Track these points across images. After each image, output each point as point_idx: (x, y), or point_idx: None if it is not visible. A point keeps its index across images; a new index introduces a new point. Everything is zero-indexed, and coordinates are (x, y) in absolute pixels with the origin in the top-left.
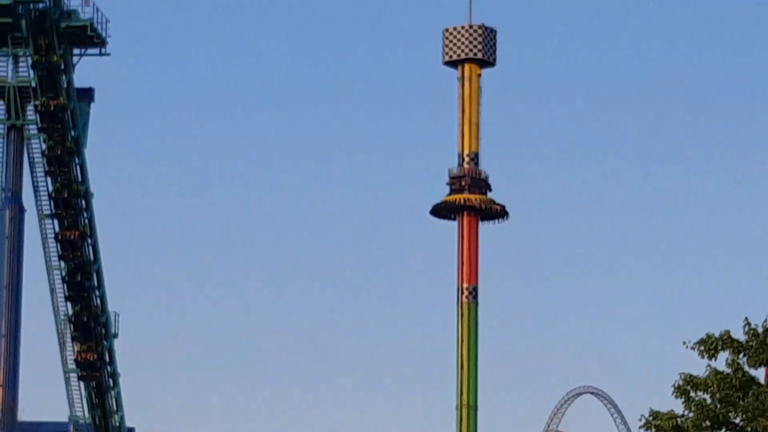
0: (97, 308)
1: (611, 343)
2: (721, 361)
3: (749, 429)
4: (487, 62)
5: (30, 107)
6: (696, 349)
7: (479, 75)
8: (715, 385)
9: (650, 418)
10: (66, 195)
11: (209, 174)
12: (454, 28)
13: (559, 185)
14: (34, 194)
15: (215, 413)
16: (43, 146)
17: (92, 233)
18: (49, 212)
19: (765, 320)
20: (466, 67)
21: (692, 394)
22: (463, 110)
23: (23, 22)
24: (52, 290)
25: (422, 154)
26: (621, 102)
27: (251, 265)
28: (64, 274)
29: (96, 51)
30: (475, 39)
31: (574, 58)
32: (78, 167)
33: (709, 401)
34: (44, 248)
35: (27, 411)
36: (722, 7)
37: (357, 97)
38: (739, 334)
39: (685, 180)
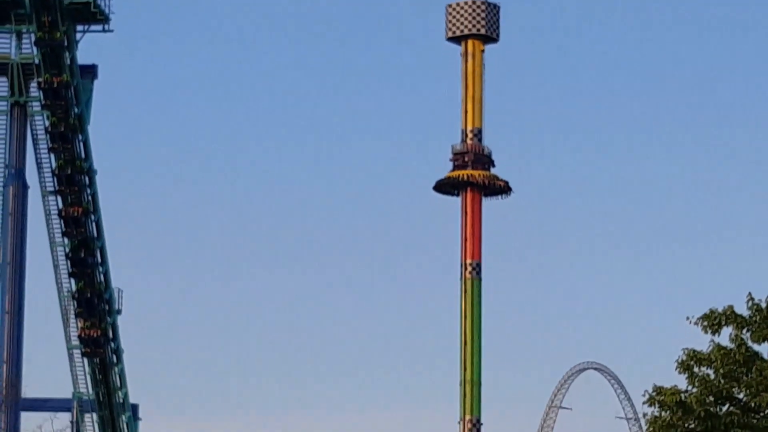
0: (100, 284)
1: (615, 318)
2: (725, 337)
3: (753, 404)
4: (490, 38)
5: (33, 84)
6: (699, 325)
7: (482, 51)
8: (718, 361)
9: (654, 394)
10: (69, 171)
11: (212, 150)
12: (458, 4)
13: (563, 161)
14: (38, 171)
15: (218, 389)
16: (47, 123)
17: (95, 210)
18: (52, 189)
19: None
20: (470, 42)
21: (696, 369)
22: (466, 86)
23: None
24: (56, 267)
25: (425, 130)
26: (625, 78)
27: (254, 242)
28: (67, 250)
29: (99, 28)
30: (479, 15)
31: (578, 34)
32: (81, 144)
33: (712, 376)
34: (48, 225)
35: (31, 387)
36: None
37: (360, 73)
38: (743, 309)
39: (689, 156)
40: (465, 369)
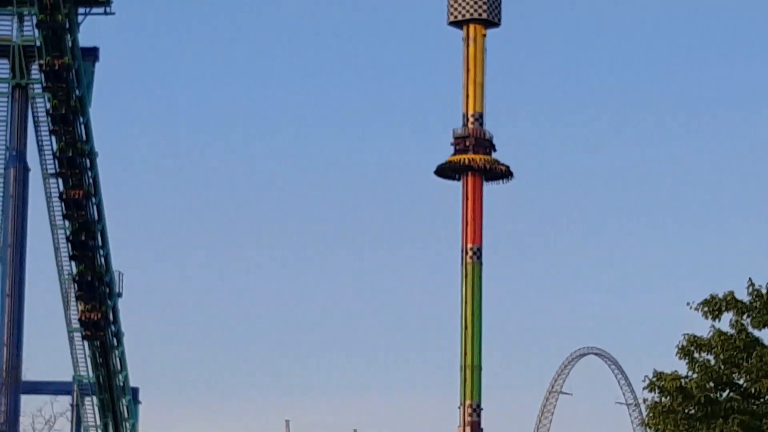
0: (101, 267)
1: (615, 303)
2: (725, 322)
3: (753, 390)
4: (492, 23)
5: (35, 66)
6: (700, 310)
7: (484, 35)
8: (719, 346)
9: (654, 379)
10: (70, 154)
11: (213, 133)
12: None
13: (564, 145)
14: (39, 153)
15: (219, 373)
16: (48, 105)
17: (96, 192)
18: (53, 171)
19: None
20: (471, 27)
21: (696, 355)
22: (467, 71)
23: None
24: (57, 249)
25: (427, 114)
26: (627, 62)
27: (255, 227)
28: (68, 233)
29: (101, 10)
30: None
31: (580, 18)
32: (82, 126)
33: (712, 362)
34: (48, 207)
35: (31, 370)
36: None
37: (362, 57)
38: (743, 295)
39: (691, 140)
40: (465, 354)
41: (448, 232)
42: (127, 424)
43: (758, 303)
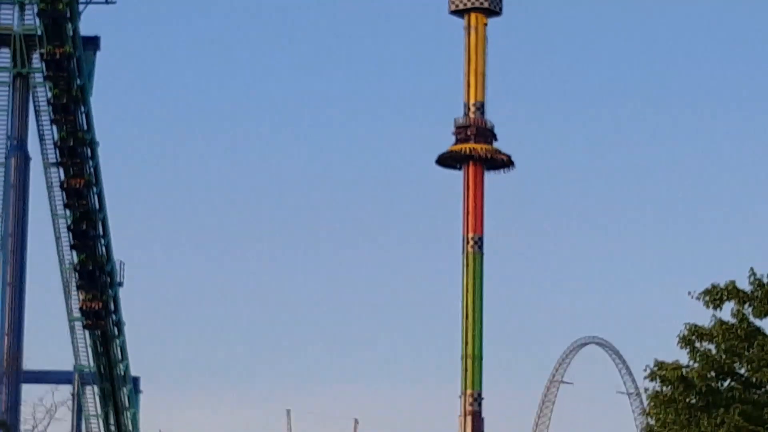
0: (102, 257)
1: (616, 293)
2: (727, 312)
3: (754, 379)
4: (493, 11)
5: (36, 55)
6: (701, 300)
7: (485, 24)
8: (720, 336)
9: (655, 369)
10: (71, 143)
11: (214, 122)
12: None
13: (565, 135)
14: (40, 142)
15: (219, 362)
16: (49, 94)
17: (97, 182)
18: (54, 161)
19: None
20: (473, 16)
21: (697, 344)
22: (469, 60)
23: None
24: (58, 239)
25: (428, 103)
26: (628, 51)
27: (257, 217)
28: (69, 222)
29: None
30: None
31: (581, 7)
32: (83, 116)
33: (714, 351)
34: (50, 197)
35: (32, 359)
36: None
37: (363, 46)
38: (745, 285)
39: (692, 130)
40: (466, 343)
41: (449, 221)
42: (128, 414)
43: (759, 292)
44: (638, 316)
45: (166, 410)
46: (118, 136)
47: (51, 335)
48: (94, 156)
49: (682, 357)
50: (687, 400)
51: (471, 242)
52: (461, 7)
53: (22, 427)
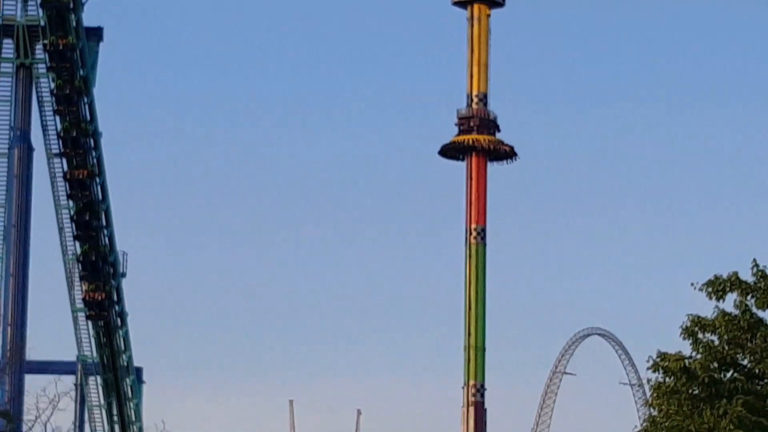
0: (105, 247)
1: (619, 284)
2: (729, 303)
3: (757, 370)
4: (496, 2)
5: (39, 46)
6: (704, 291)
7: (488, 15)
8: (722, 327)
9: (658, 360)
10: (75, 134)
11: (218, 113)
12: None
13: (568, 126)
14: (43, 133)
15: (222, 352)
16: (52, 85)
17: (101, 172)
18: (57, 151)
19: None
20: (475, 7)
21: (700, 335)
22: (472, 51)
23: None
24: (61, 229)
25: (431, 94)
26: (631, 43)
27: (259, 207)
28: (72, 213)
29: None
30: None
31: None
32: (86, 106)
33: (716, 343)
34: (53, 187)
35: (35, 350)
36: None
37: (366, 37)
38: (747, 276)
39: (694, 122)
40: (469, 334)
41: (451, 212)
42: (131, 404)
43: (762, 284)
44: (641, 307)
45: (168, 401)
46: (121, 126)
47: (54, 326)
48: (97, 147)
49: (685, 348)
50: (690, 391)
51: (474, 233)
52: None
53: (26, 417)
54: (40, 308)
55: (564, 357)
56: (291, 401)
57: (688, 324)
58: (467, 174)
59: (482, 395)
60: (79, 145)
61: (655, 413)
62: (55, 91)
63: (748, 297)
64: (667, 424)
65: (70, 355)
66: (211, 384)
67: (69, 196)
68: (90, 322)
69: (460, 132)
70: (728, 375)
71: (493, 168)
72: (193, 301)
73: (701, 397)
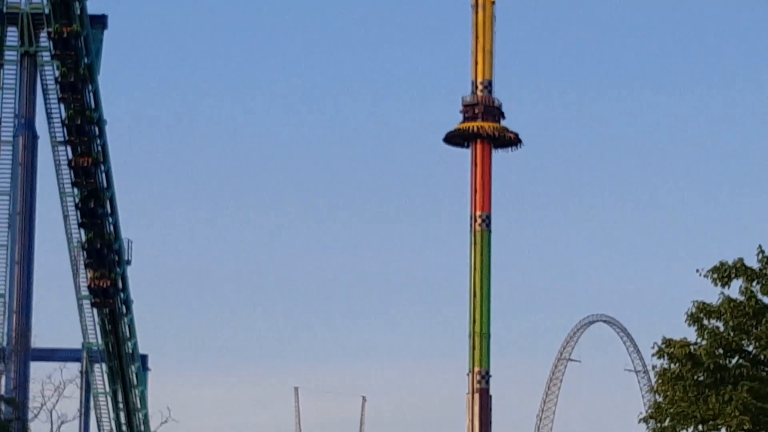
0: (110, 235)
1: (624, 271)
2: (735, 289)
3: (762, 356)
4: None
5: (43, 34)
6: (709, 277)
7: (493, 2)
8: (728, 313)
9: (663, 346)
10: (79, 122)
11: (222, 99)
12: None
13: (573, 113)
14: (48, 121)
15: (227, 339)
16: (57, 73)
17: (105, 160)
18: (62, 139)
19: None
20: None
21: (705, 321)
22: (476, 38)
23: None
24: (66, 217)
25: (436, 81)
26: (636, 29)
27: (264, 193)
28: (77, 200)
29: None
30: None
31: None
32: (91, 94)
33: (722, 329)
34: (57, 175)
35: (40, 337)
36: None
37: (371, 23)
38: (753, 262)
39: (700, 109)
40: (474, 321)
41: (457, 199)
42: (136, 391)
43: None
44: (646, 293)
45: (174, 388)
46: (125, 114)
47: (59, 313)
48: (101, 134)
49: (690, 334)
50: (695, 377)
51: (479, 220)
52: None
53: (31, 404)
54: (46, 296)
55: (569, 344)
56: (296, 388)
57: (694, 310)
58: (472, 161)
59: (487, 382)
60: (84, 132)
61: (660, 399)
62: (59, 79)
63: (754, 283)
64: (672, 410)
65: (75, 342)
66: (216, 371)
67: (74, 184)
68: (95, 310)
69: (465, 119)
70: (733, 361)
71: (498, 155)
72: (197, 288)
73: (706, 383)
